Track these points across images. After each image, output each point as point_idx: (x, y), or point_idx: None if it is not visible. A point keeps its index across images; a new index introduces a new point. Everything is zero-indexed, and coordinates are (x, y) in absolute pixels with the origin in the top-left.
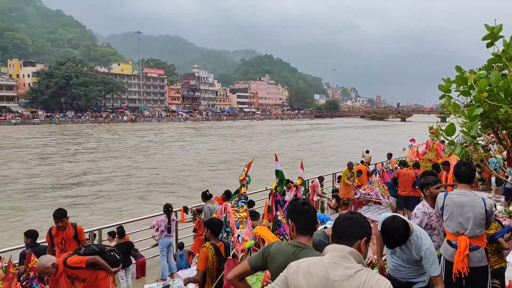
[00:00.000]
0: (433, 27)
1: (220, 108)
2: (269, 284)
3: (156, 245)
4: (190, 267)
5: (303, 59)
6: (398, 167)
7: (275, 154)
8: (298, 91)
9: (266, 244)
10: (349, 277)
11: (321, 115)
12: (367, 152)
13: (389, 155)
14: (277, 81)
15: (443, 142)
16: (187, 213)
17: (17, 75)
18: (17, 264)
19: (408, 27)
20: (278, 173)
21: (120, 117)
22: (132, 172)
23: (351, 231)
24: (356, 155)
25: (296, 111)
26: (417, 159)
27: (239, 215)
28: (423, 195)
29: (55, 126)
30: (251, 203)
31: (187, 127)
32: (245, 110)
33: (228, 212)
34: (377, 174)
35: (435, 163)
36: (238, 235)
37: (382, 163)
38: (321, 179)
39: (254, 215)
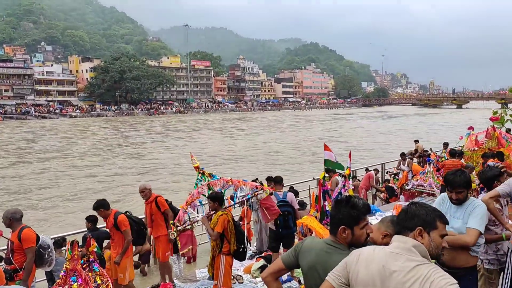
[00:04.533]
0: (495, 10)
1: (265, 98)
2: (329, 273)
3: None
4: None
5: (350, 46)
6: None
7: (324, 143)
8: (344, 79)
9: (313, 234)
10: (409, 270)
11: (369, 104)
12: (417, 141)
13: (445, 144)
14: (323, 69)
15: (508, 130)
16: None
17: (77, 71)
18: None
19: (465, 10)
20: (327, 163)
21: (170, 108)
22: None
23: (402, 223)
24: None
25: (343, 100)
26: (476, 148)
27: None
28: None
29: (109, 118)
30: (296, 193)
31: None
32: (290, 99)
33: (225, 181)
34: (431, 164)
35: (498, 151)
36: (262, 189)
37: (435, 152)
38: (376, 171)
39: (301, 205)
